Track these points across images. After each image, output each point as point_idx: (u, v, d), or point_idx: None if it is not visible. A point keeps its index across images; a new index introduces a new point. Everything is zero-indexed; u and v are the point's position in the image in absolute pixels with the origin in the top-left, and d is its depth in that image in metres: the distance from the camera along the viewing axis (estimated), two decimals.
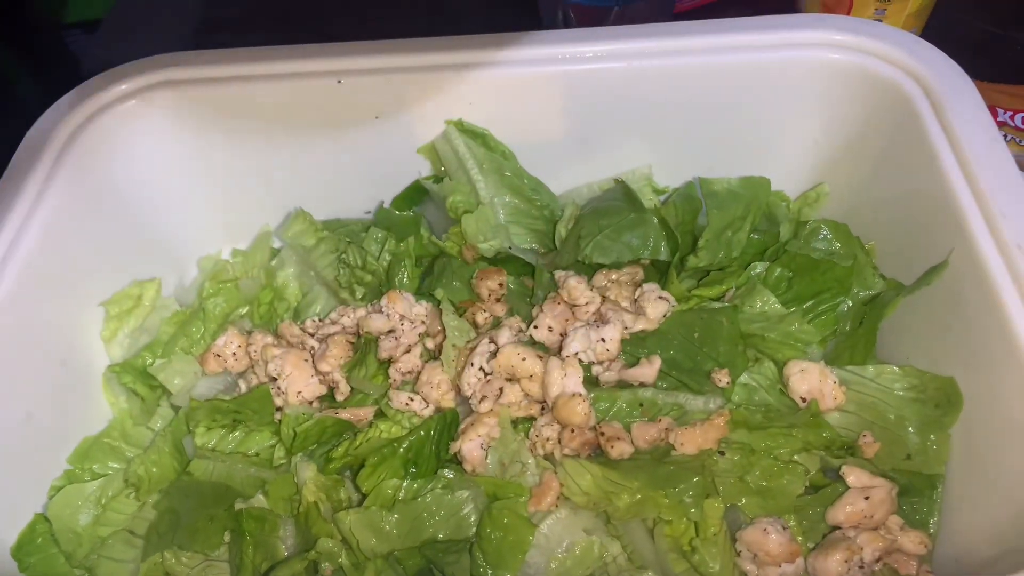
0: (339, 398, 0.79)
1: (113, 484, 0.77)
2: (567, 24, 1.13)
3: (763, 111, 0.88)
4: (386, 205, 0.97)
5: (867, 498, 0.68)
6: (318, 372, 0.80)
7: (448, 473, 0.72)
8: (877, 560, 0.67)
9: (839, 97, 0.84)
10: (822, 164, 0.89)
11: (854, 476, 0.70)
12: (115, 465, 0.81)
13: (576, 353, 0.74)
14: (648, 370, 0.73)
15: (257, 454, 0.80)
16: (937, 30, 0.78)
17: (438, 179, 0.95)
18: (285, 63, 0.88)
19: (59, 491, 0.76)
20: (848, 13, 1.04)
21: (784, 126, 0.88)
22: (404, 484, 0.71)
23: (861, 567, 0.66)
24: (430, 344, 0.81)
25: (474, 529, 0.69)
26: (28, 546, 0.73)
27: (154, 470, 0.77)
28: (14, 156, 0.82)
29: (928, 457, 0.70)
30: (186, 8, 1.50)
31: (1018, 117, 1.02)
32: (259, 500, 0.76)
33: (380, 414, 0.77)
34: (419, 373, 0.77)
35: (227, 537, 0.74)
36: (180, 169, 0.93)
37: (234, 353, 0.84)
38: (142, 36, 0.86)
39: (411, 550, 0.69)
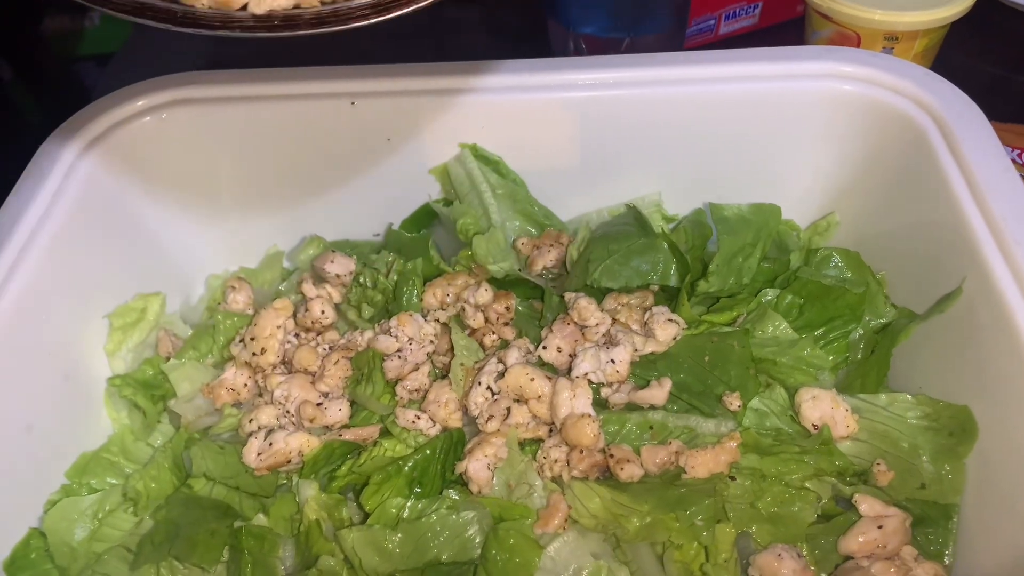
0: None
1: (110, 499, 0.76)
2: (578, 55, 1.14)
3: (773, 141, 0.88)
4: (395, 227, 0.97)
5: (880, 527, 0.67)
6: (319, 393, 0.79)
7: (453, 494, 0.70)
8: None
9: (849, 127, 0.85)
10: (832, 194, 0.89)
11: (867, 505, 0.68)
12: (113, 480, 0.79)
13: (586, 374, 0.73)
14: (659, 392, 0.72)
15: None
16: (943, 73, 0.81)
17: (448, 202, 0.95)
18: (299, 84, 0.89)
19: (55, 505, 0.75)
20: None
21: (794, 156, 0.89)
22: (408, 503, 0.69)
23: None
24: (439, 363, 0.80)
25: (479, 551, 0.68)
26: (21, 561, 0.71)
27: (153, 485, 0.75)
28: (27, 167, 0.82)
29: (943, 487, 0.69)
30: (197, 45, 1.52)
31: None
32: (259, 520, 0.75)
33: (385, 432, 0.76)
34: (426, 392, 0.76)
35: (225, 555, 0.72)
36: (191, 187, 0.93)
37: (245, 384, 0.83)
38: (153, 71, 0.89)
39: (413, 573, 0.68)
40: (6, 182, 0.82)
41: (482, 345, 0.81)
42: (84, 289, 0.83)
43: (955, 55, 1.11)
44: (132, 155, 0.87)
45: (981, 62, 1.24)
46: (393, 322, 0.80)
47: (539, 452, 0.72)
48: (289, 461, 0.75)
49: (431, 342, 0.81)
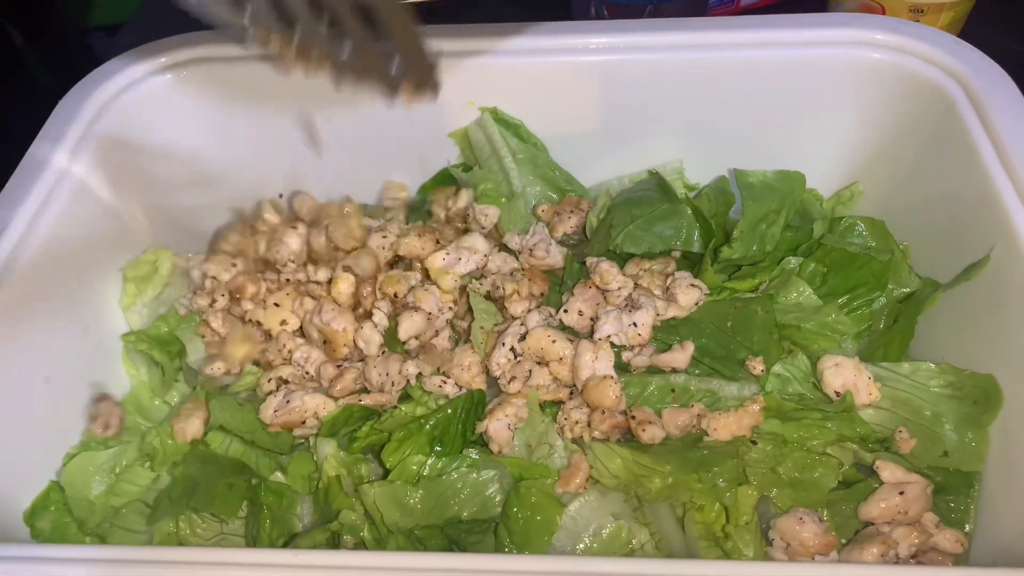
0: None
1: (127, 454, 0.76)
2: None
3: (797, 109, 0.87)
4: (413, 192, 0.97)
5: (902, 493, 0.66)
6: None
7: (474, 453, 0.70)
8: (912, 556, 0.65)
9: (876, 96, 0.84)
10: (857, 163, 0.88)
11: (888, 471, 0.68)
12: (128, 438, 0.79)
13: (608, 336, 0.73)
14: (680, 355, 0.71)
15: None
16: None
17: (467, 167, 0.94)
18: None
19: (72, 459, 0.75)
20: None
21: (819, 124, 0.88)
22: (429, 461, 0.69)
23: (896, 562, 0.64)
24: (458, 328, 0.80)
25: (499, 509, 0.68)
26: (41, 512, 0.72)
27: (169, 442, 0.75)
28: (46, 123, 0.82)
29: (966, 454, 0.68)
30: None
31: None
32: (276, 478, 0.75)
33: (405, 397, 0.76)
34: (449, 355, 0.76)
35: (243, 511, 0.72)
36: (208, 146, 0.92)
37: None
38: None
39: (433, 529, 0.68)
40: (22, 138, 0.82)
41: (501, 309, 0.81)
42: (100, 243, 0.82)
43: (980, 30, 1.10)
44: (151, 111, 0.87)
45: (1006, 38, 1.22)
46: (410, 299, 0.80)
47: (560, 413, 0.72)
48: (304, 422, 0.75)
49: (450, 308, 0.81)
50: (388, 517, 0.65)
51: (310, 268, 0.84)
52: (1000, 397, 0.68)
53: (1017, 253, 0.68)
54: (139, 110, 0.86)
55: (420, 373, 0.75)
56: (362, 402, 0.75)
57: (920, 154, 0.82)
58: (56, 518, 0.72)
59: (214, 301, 0.83)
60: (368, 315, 0.79)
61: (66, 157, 0.79)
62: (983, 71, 0.78)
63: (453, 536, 0.67)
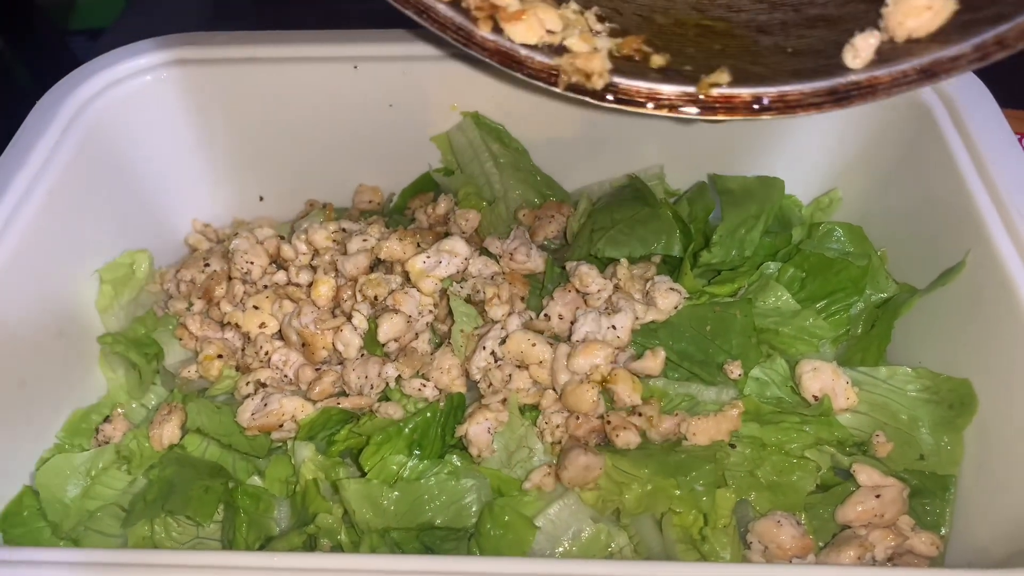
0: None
1: (103, 457, 0.75)
2: None
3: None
4: (394, 195, 0.97)
5: (878, 496, 0.67)
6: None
7: (456, 460, 0.70)
8: (889, 559, 0.65)
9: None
10: (836, 170, 0.89)
11: (865, 475, 0.68)
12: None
13: (585, 336, 0.73)
14: (652, 363, 0.72)
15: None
16: None
17: (448, 171, 0.94)
18: (301, 47, 0.88)
19: (47, 461, 0.74)
20: None
21: (798, 132, 0.89)
22: (410, 463, 0.69)
23: (873, 565, 0.64)
24: (438, 331, 0.79)
25: (474, 520, 0.67)
26: (14, 518, 0.71)
27: (146, 444, 0.74)
28: (24, 122, 0.81)
29: (941, 458, 0.69)
30: (191, 22, 1.51)
31: None
32: (253, 481, 0.74)
33: (384, 398, 0.76)
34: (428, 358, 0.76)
35: (219, 515, 0.71)
36: (186, 148, 0.92)
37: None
38: None
39: (409, 535, 0.67)
40: (0, 140, 0.81)
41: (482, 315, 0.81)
42: (78, 245, 0.82)
43: None
44: (130, 113, 0.86)
45: None
46: (390, 301, 0.79)
47: (540, 417, 0.71)
48: (281, 425, 0.75)
49: (430, 311, 0.81)
50: (360, 515, 0.65)
51: (291, 270, 0.84)
52: (975, 401, 0.69)
53: (992, 259, 0.69)
54: (117, 112, 0.85)
55: (399, 376, 0.75)
56: (340, 405, 0.75)
57: (898, 161, 0.83)
58: (29, 525, 0.70)
59: (191, 305, 0.82)
60: (348, 318, 0.79)
61: (43, 158, 0.78)
62: (960, 81, 0.79)
63: (428, 543, 0.66)
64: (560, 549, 0.65)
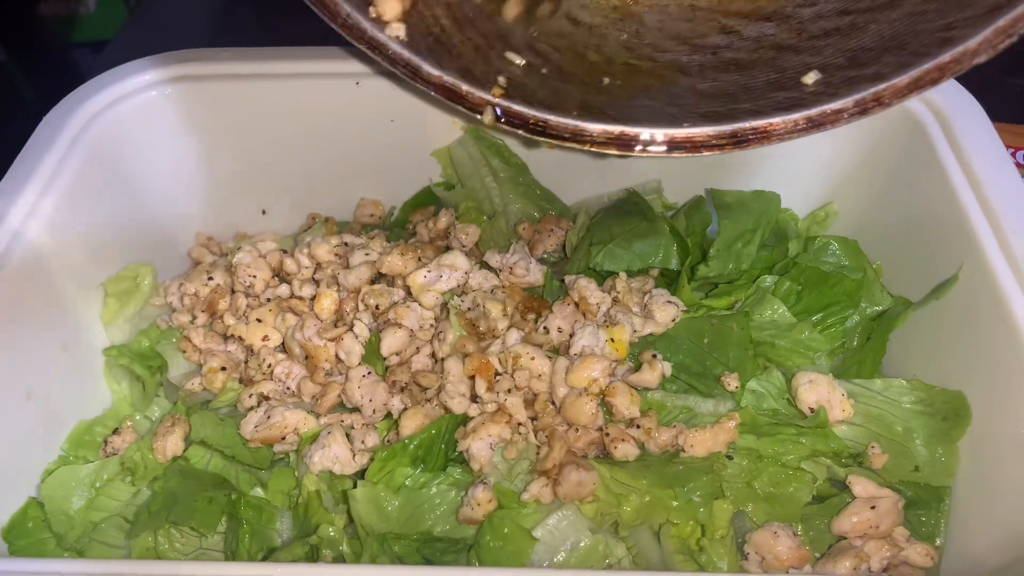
0: None
1: (108, 468, 0.76)
2: None
3: None
4: (395, 209, 0.98)
5: (873, 508, 0.68)
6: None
7: (458, 473, 0.71)
8: (884, 570, 0.66)
9: None
10: (831, 184, 0.90)
11: (860, 486, 0.69)
12: None
13: (583, 349, 0.74)
14: (649, 376, 0.72)
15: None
16: None
17: (449, 186, 0.95)
18: (304, 63, 0.89)
19: (52, 473, 0.74)
20: None
21: (793, 147, 0.89)
22: (414, 474, 0.70)
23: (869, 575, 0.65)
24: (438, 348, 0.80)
25: (473, 531, 0.68)
26: (19, 529, 0.72)
27: (150, 456, 0.75)
28: (31, 137, 0.82)
29: (936, 470, 0.70)
30: (194, 33, 1.52)
31: (1019, 154, 1.05)
32: (256, 493, 0.75)
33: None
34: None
35: (222, 527, 0.72)
36: (191, 162, 0.93)
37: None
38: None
39: (410, 546, 0.68)
40: (4, 154, 0.82)
41: (472, 330, 0.81)
42: (84, 259, 0.83)
43: None
44: (136, 128, 0.88)
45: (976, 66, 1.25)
46: (391, 316, 0.80)
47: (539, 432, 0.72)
48: (284, 437, 0.75)
49: (431, 325, 0.82)
50: (366, 519, 0.66)
51: (294, 283, 0.85)
52: (969, 413, 0.70)
53: (985, 272, 0.70)
54: (123, 127, 0.86)
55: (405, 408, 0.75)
56: (344, 423, 0.76)
57: (892, 176, 0.84)
58: (34, 535, 0.71)
59: (194, 318, 0.83)
60: (349, 328, 0.80)
61: (49, 173, 0.79)
62: (953, 96, 0.81)
63: (428, 555, 0.67)
64: (558, 559, 0.66)
